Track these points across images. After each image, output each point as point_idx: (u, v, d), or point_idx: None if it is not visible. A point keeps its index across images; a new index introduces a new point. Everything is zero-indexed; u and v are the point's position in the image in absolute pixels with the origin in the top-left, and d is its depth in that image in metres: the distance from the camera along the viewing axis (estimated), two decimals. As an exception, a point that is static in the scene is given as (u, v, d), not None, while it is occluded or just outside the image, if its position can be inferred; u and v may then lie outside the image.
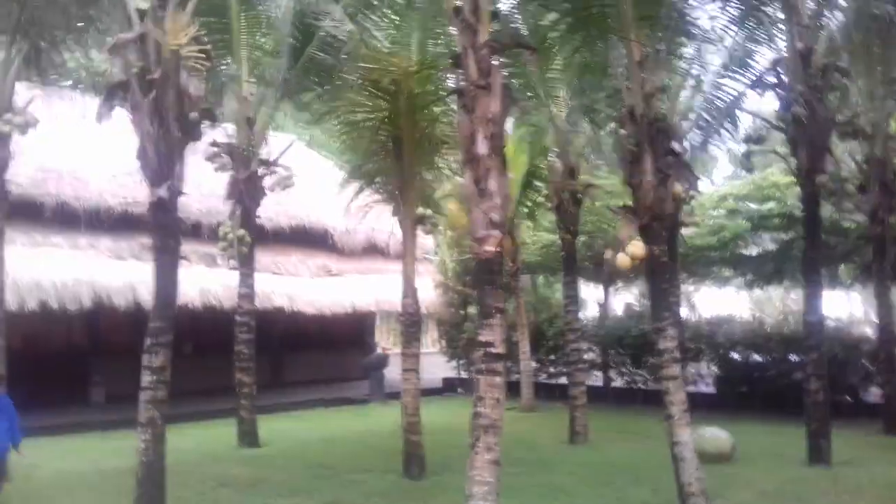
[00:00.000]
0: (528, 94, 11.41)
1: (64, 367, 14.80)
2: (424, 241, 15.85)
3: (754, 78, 10.48)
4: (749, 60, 10.75)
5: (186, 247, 11.55)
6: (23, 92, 9.35)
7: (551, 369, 17.83)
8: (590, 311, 22.99)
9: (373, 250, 18.90)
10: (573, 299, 12.44)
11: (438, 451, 9.82)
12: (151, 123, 6.87)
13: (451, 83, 10.45)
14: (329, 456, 10.96)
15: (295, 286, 16.26)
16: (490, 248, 5.78)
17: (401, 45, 10.28)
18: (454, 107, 11.27)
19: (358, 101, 9.44)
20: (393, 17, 10.45)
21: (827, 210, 14.64)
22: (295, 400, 16.13)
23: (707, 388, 15.71)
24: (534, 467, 9.97)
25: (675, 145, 7.56)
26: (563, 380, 17.51)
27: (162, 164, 7.06)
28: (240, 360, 11.81)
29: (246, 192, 11.19)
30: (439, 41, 10.78)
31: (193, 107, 7.04)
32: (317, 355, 19.27)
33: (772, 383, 14.19)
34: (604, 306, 18.69)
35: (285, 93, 11.05)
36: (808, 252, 9.73)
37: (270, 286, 15.02)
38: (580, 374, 12.54)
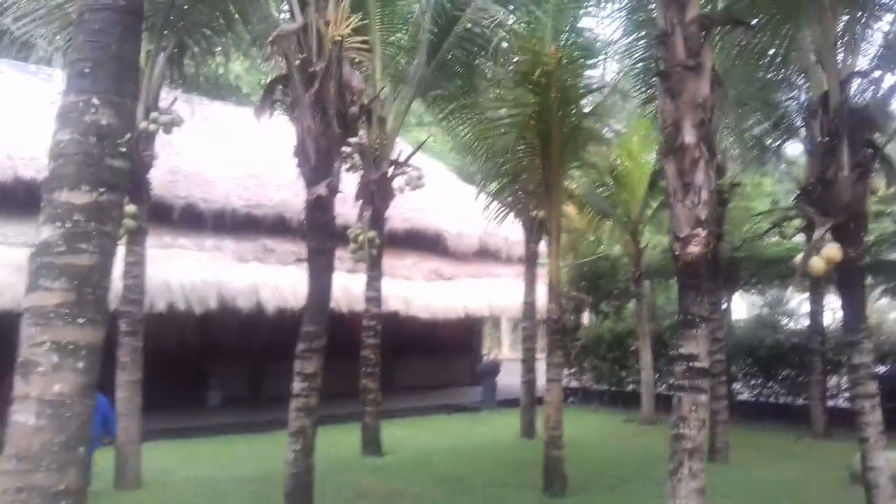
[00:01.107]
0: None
1: (182, 369, 14.86)
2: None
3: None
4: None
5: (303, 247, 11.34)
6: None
7: (672, 380, 16.91)
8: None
9: (485, 254, 18.45)
10: (716, 307, 11.63)
11: (572, 467, 9.23)
12: (313, 118, 6.58)
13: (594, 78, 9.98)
14: (457, 467, 10.53)
15: (409, 290, 15.95)
16: (696, 248, 5.21)
17: (535, 38, 9.81)
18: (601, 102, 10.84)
19: (504, 96, 8.99)
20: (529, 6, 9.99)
21: None
22: (408, 406, 15.81)
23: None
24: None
25: (876, 137, 6.80)
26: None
27: (321, 161, 6.77)
28: (366, 366, 11.52)
29: (377, 193, 10.87)
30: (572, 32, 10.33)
31: (354, 101, 6.72)
32: (426, 360, 18.97)
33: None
34: (726, 313, 17.73)
35: (419, 90, 10.69)
36: None
37: (387, 290, 14.74)
38: (721, 387, 11.72)
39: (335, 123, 6.67)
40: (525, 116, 8.74)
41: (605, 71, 10.78)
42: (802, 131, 12.92)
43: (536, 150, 9.00)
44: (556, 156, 8.80)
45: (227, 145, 15.41)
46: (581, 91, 8.80)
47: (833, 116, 6.71)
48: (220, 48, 9.17)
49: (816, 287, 13.20)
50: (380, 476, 9.91)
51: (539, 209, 11.17)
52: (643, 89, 10.52)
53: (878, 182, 6.84)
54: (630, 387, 17.23)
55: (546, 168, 8.89)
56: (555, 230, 9.01)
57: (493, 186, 10.98)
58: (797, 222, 12.93)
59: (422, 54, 10.17)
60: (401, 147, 11.77)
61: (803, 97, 12.62)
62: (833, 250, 6.52)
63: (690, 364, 5.29)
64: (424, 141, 11.28)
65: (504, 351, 29.34)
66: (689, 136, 5.20)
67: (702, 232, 5.19)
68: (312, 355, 7.15)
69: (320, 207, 6.90)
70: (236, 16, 8.83)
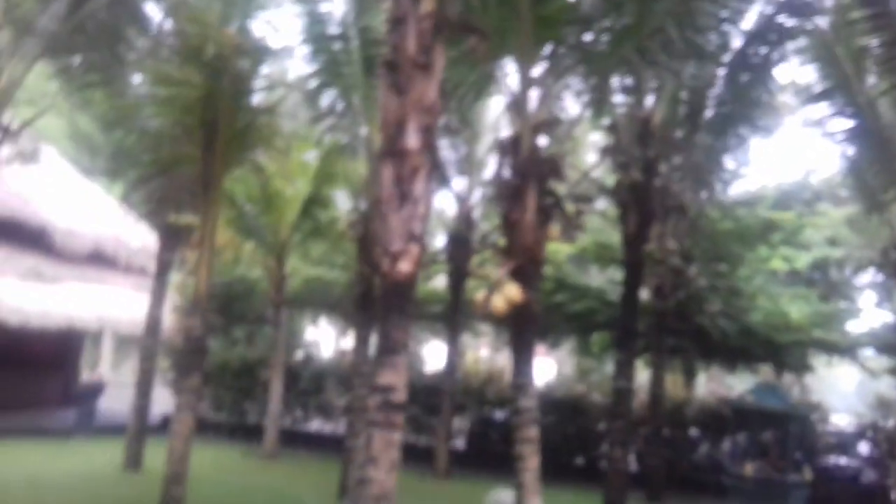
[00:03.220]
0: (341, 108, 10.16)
1: None
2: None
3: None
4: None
5: None
6: None
7: (298, 413, 16.26)
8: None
9: (100, 259, 15.82)
10: (363, 341, 11.05)
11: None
12: None
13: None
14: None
15: (-2, 289, 12.97)
16: (406, 266, 4.52)
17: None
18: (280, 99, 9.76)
19: (165, 71, 7.56)
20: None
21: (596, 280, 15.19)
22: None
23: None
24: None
25: (557, 186, 6.87)
26: (313, 426, 16.13)
27: None
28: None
29: (-28, 163, 8.42)
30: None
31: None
32: (8, 375, 15.55)
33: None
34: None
35: (48, 49, 8.52)
36: (624, 320, 9.48)
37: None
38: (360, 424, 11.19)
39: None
40: (189, 99, 7.42)
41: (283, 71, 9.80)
42: (453, 183, 13.52)
43: (197, 141, 7.70)
44: (220, 151, 7.59)
45: None
46: (260, 86, 7.75)
47: (523, 160, 6.63)
48: None
49: (453, 331, 13.59)
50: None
51: (189, 211, 9.67)
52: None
53: (554, 230, 6.89)
54: (252, 419, 16.12)
55: (207, 163, 7.62)
56: (209, 236, 7.74)
57: (129, 179, 9.25)
58: (441, 267, 13.24)
59: (59, 4, 8.14)
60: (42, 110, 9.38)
61: (462, 149, 13.21)
62: (514, 291, 6.37)
63: (388, 397, 4.51)
64: (43, 110, 9.08)
65: (104, 371, 26.00)
66: (412, 140, 4.53)
67: (415, 248, 4.52)
68: None
69: None
70: None
